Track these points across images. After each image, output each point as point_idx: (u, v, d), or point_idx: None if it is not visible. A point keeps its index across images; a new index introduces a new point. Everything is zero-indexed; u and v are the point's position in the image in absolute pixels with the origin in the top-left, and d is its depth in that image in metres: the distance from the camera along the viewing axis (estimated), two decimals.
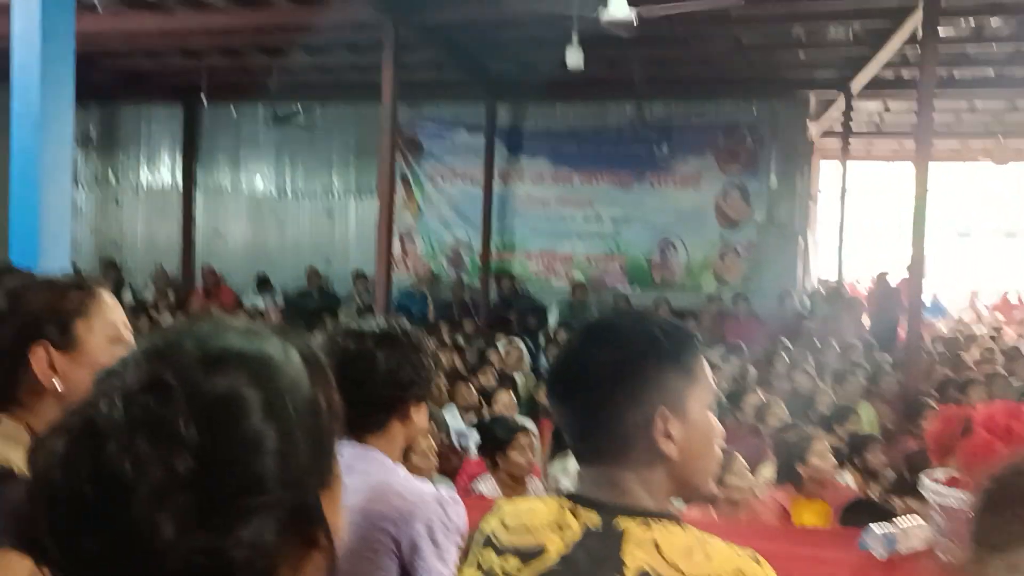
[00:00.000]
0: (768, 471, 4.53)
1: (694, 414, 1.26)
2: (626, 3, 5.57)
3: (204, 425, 0.69)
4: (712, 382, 1.32)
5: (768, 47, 9.21)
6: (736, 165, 11.03)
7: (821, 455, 4.10)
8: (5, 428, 1.43)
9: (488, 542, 1.31)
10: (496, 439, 4.59)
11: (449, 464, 5.23)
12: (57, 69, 4.20)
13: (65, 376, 1.46)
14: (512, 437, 4.53)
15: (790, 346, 8.32)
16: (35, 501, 0.70)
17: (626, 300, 10.76)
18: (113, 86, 11.66)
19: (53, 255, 4.13)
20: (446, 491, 1.79)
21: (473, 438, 5.54)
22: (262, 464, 0.70)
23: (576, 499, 1.26)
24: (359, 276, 11.58)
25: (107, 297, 1.56)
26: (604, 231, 11.44)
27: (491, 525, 1.33)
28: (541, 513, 1.27)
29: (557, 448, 5.20)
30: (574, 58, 6.87)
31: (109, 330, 1.52)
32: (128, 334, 1.56)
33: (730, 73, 10.33)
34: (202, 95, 11.09)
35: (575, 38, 6.79)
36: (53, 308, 1.48)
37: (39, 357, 1.45)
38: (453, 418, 6.06)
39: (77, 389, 1.46)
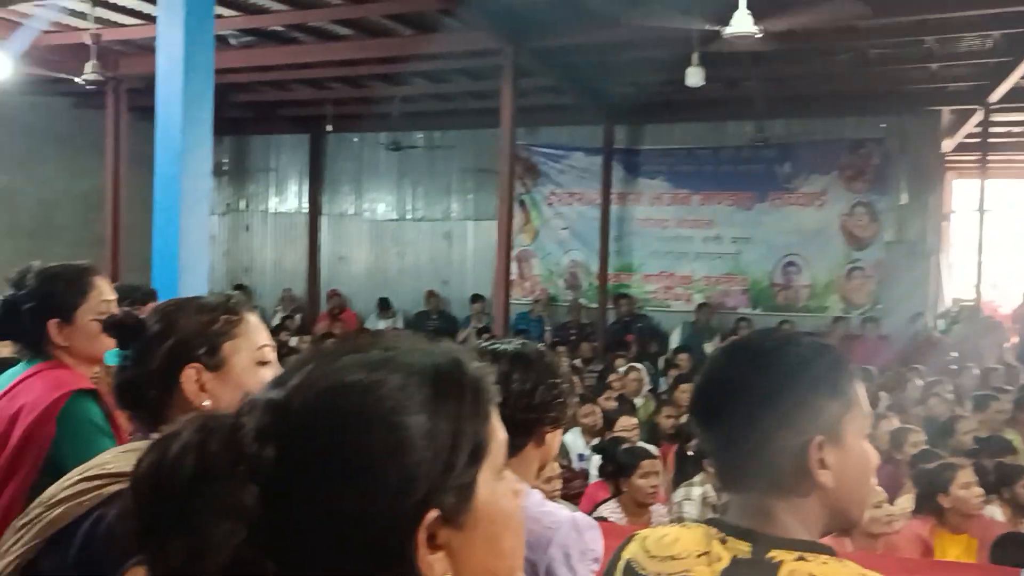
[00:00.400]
0: (906, 501, 4.31)
1: (850, 442, 1.20)
2: (750, 18, 5.45)
3: (284, 458, 0.73)
4: (868, 408, 1.25)
5: (897, 60, 8.87)
6: (862, 183, 10.65)
7: (966, 486, 3.87)
8: (141, 443, 1.47)
9: (629, 569, 1.27)
10: (622, 465, 4.54)
11: (571, 488, 5.20)
12: (197, 103, 4.41)
13: (213, 396, 1.50)
14: (637, 463, 4.47)
15: (924, 370, 7.93)
16: (130, 509, 0.75)
17: (748, 322, 10.50)
18: (244, 118, 12.21)
19: (191, 279, 4.33)
20: (582, 516, 1.76)
21: (594, 462, 5.50)
22: (337, 499, 0.72)
23: (725, 528, 1.21)
24: (476, 298, 11.69)
25: (253, 319, 1.60)
26: (724, 252, 11.21)
27: (631, 552, 1.29)
28: (686, 541, 1.23)
29: (681, 474, 5.09)
30: (695, 77, 6.77)
31: (255, 352, 1.56)
32: (273, 356, 1.60)
33: (856, 88, 9.99)
34: (327, 124, 11.46)
35: (695, 57, 6.69)
36: (203, 330, 1.52)
37: (190, 378, 1.49)
38: (575, 440, 6.03)
39: (223, 408, 1.50)
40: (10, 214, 11.06)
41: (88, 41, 7.61)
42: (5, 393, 2.15)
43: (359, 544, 0.73)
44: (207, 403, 1.50)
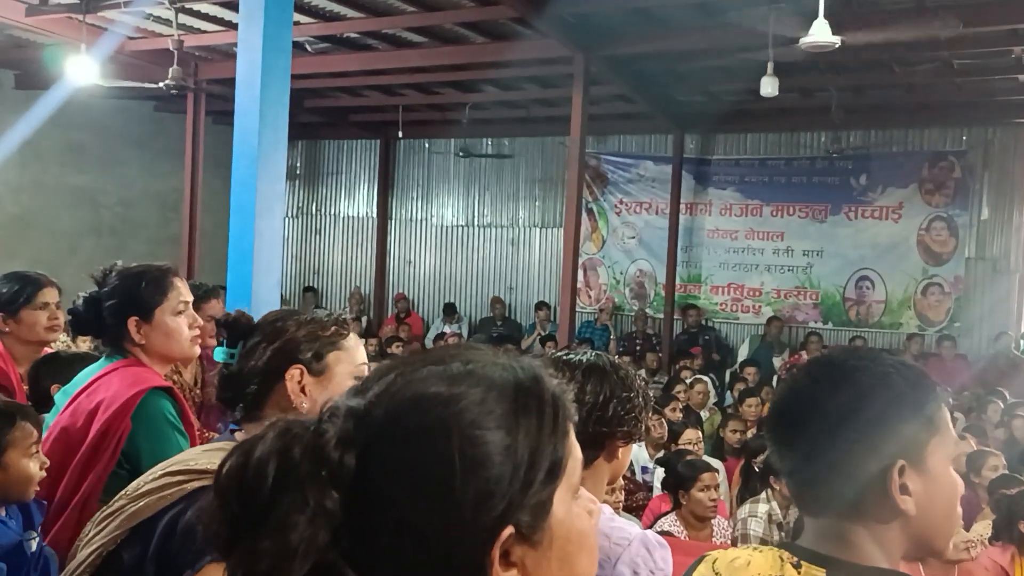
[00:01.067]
0: (983, 527, 4.16)
1: (935, 468, 1.15)
2: (828, 27, 5.34)
3: (364, 466, 0.75)
4: (955, 434, 1.21)
5: (983, 70, 8.60)
6: (942, 196, 10.36)
7: None
8: (225, 443, 1.51)
9: None
10: (681, 477, 4.50)
11: (634, 500, 5.15)
12: (274, 108, 4.49)
13: (311, 399, 1.57)
14: (697, 476, 4.43)
15: (1005, 392, 7.65)
16: (211, 506, 0.77)
17: (819, 337, 10.29)
18: (317, 123, 12.42)
19: (265, 280, 4.41)
20: (652, 535, 1.73)
21: (657, 474, 5.43)
22: (414, 511, 0.73)
23: (799, 552, 1.17)
24: (541, 306, 11.68)
25: (355, 338, 1.70)
26: (796, 264, 11.01)
27: (700, 573, 1.26)
28: (758, 565, 1.19)
29: (747, 490, 5.00)
30: (769, 86, 6.66)
31: (356, 367, 1.66)
32: (367, 372, 1.65)
33: (937, 99, 9.72)
34: (398, 130, 11.59)
35: (770, 66, 6.58)
36: (314, 336, 1.62)
37: (293, 377, 1.57)
38: (639, 453, 5.97)
39: (315, 413, 1.54)
40: (93, 213, 11.43)
41: (171, 47, 7.82)
42: (84, 389, 2.21)
43: (434, 557, 0.73)
44: (305, 405, 1.56)
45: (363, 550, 0.73)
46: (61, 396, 2.28)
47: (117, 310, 2.29)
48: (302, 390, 1.58)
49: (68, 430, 2.12)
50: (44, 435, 2.17)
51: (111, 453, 2.05)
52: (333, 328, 1.65)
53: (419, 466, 0.74)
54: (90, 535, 1.45)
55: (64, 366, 2.62)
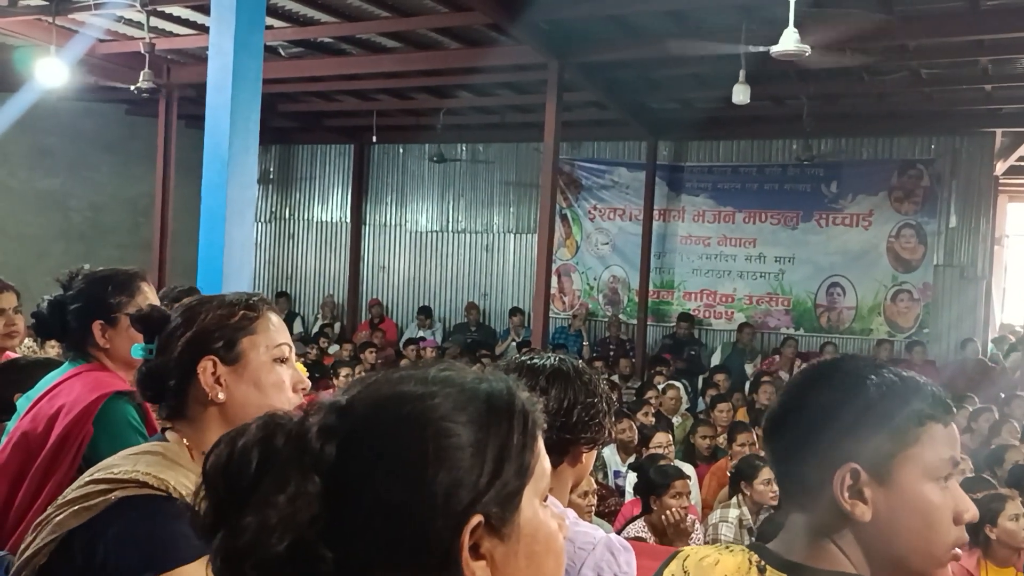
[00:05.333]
0: None
1: (904, 483, 1.13)
2: (797, 36, 5.40)
3: (343, 455, 0.79)
4: (948, 455, 1.16)
5: (950, 80, 8.72)
6: (911, 204, 10.49)
7: (1014, 518, 3.77)
8: (169, 450, 1.48)
9: None
10: (654, 483, 4.50)
11: (606, 505, 5.16)
12: (245, 112, 4.46)
13: (228, 389, 1.52)
14: (669, 483, 4.44)
15: (975, 397, 7.75)
16: (200, 495, 0.81)
17: (796, 342, 10.37)
18: (290, 127, 12.36)
19: (235, 285, 4.37)
20: (617, 538, 1.73)
21: (629, 479, 5.45)
22: (388, 496, 0.78)
23: (767, 556, 1.18)
24: (515, 312, 11.69)
25: (274, 318, 1.62)
26: (768, 271, 11.09)
27: (672, 571, 1.27)
28: (726, 566, 1.20)
29: (732, 494, 5.02)
30: (741, 94, 6.72)
31: (273, 349, 1.58)
32: (292, 355, 1.61)
33: (906, 108, 9.85)
34: (372, 135, 11.56)
35: (742, 74, 6.64)
36: (222, 324, 1.54)
37: (206, 370, 1.51)
38: (612, 456, 5.99)
39: (238, 402, 1.52)
40: (62, 216, 11.30)
41: (142, 50, 7.75)
42: (46, 394, 2.18)
43: (407, 540, 0.78)
44: (221, 396, 1.51)
45: (340, 531, 0.77)
46: (23, 402, 2.25)
47: (82, 314, 2.27)
48: (217, 381, 1.52)
49: (28, 435, 2.09)
50: (4, 441, 2.14)
51: (72, 459, 2.02)
52: (241, 312, 1.56)
53: (394, 453, 0.79)
54: (25, 543, 1.42)
55: (22, 373, 2.58)
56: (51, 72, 7.43)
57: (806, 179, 10.85)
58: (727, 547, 1.25)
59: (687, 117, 10.19)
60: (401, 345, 11.23)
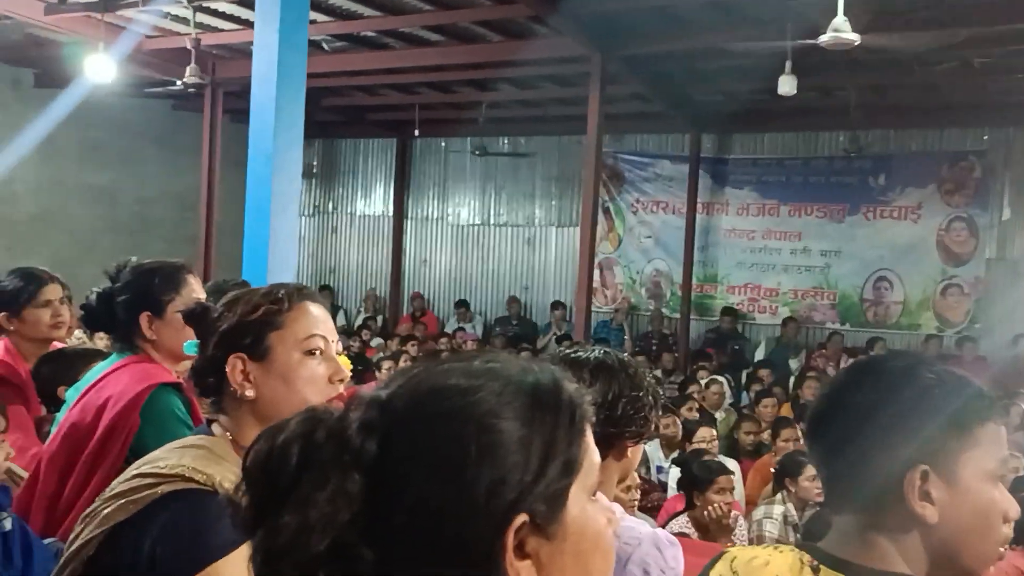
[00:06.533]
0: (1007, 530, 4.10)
1: (967, 482, 1.11)
2: (847, 24, 5.29)
3: (385, 452, 0.77)
4: (1003, 454, 1.16)
5: (1004, 69, 8.50)
6: (961, 196, 10.26)
7: None
8: (214, 445, 1.49)
9: None
10: (697, 478, 4.46)
11: (649, 500, 5.12)
12: (289, 106, 4.50)
13: (257, 385, 1.51)
14: (713, 478, 4.39)
15: None
16: (242, 488, 0.80)
17: (842, 336, 10.21)
18: (334, 121, 12.44)
19: (279, 278, 4.39)
20: (663, 533, 1.71)
21: (673, 474, 5.41)
22: (430, 494, 0.76)
23: (819, 555, 1.15)
24: (557, 305, 11.66)
25: (311, 308, 1.58)
26: (813, 265, 10.93)
27: (718, 572, 1.25)
28: (777, 566, 1.17)
29: (776, 491, 4.96)
30: (787, 85, 6.62)
31: (302, 342, 1.55)
32: (329, 346, 1.58)
33: (958, 98, 9.61)
34: (414, 129, 11.59)
35: (788, 65, 6.54)
36: (247, 320, 1.53)
37: (235, 367, 1.51)
38: (655, 452, 5.95)
39: (268, 398, 1.51)
40: (111, 210, 11.50)
41: (188, 45, 7.85)
42: (94, 385, 2.21)
43: (449, 540, 0.76)
44: (250, 393, 1.50)
45: (380, 531, 0.76)
46: (72, 393, 2.28)
47: (129, 305, 2.30)
48: (246, 378, 1.51)
49: (77, 426, 2.13)
50: (54, 431, 2.17)
51: (119, 449, 2.05)
52: (266, 307, 1.54)
53: (436, 450, 0.77)
54: (73, 535, 1.44)
55: (68, 362, 2.63)
56: (100, 68, 7.55)
57: (853, 171, 10.67)
58: (776, 547, 1.22)
59: (731, 109, 10.07)
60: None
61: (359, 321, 12.44)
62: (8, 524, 1.97)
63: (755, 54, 7.49)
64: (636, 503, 4.24)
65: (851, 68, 8.13)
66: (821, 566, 1.13)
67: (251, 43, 4.81)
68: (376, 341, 11.09)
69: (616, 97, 9.53)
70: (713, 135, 11.27)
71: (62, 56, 8.79)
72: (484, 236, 12.98)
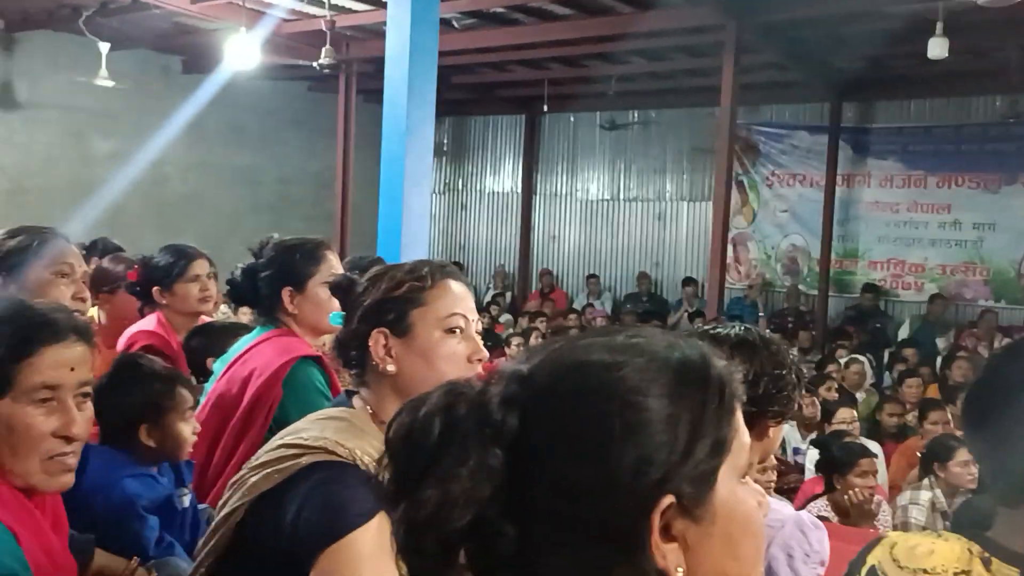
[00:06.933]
0: None
1: None
2: None
3: (526, 427, 0.77)
4: None
5: None
6: None
7: None
8: (355, 417, 1.51)
9: (873, 575, 1.16)
10: (837, 461, 4.30)
11: (785, 482, 4.98)
12: (421, 85, 4.55)
13: (399, 361, 1.52)
14: (855, 461, 4.22)
15: None
16: (384, 461, 0.80)
17: (995, 315, 9.62)
18: (463, 99, 12.55)
19: (413, 255, 4.47)
20: (808, 516, 1.64)
21: (810, 456, 5.24)
22: (574, 472, 0.75)
23: (990, 547, 1.06)
24: (688, 281, 11.47)
25: (453, 286, 1.59)
26: (964, 239, 10.32)
27: (877, 558, 1.18)
28: (943, 555, 1.09)
29: (923, 475, 4.74)
30: (938, 48, 6.23)
31: (443, 320, 1.55)
32: (470, 325, 1.58)
33: None
34: (543, 104, 11.56)
35: (940, 26, 6.16)
36: (391, 297, 1.55)
37: (377, 342, 1.53)
38: (791, 433, 5.78)
39: (407, 374, 1.52)
40: (252, 190, 11.99)
41: (323, 27, 8.05)
42: (239, 358, 2.30)
43: (593, 520, 0.74)
44: (391, 368, 1.52)
45: (522, 508, 0.75)
46: (219, 365, 2.38)
47: (272, 280, 2.38)
48: (388, 353, 1.53)
49: (224, 397, 2.22)
50: (203, 402, 2.27)
51: (263, 420, 2.13)
52: (409, 284, 1.55)
53: (579, 428, 0.76)
54: (222, 501, 1.50)
55: (216, 336, 2.74)
56: (242, 52, 7.85)
57: (1010, 138, 9.98)
58: (940, 535, 1.14)
59: (875, 76, 9.61)
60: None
61: (488, 298, 12.58)
62: (187, 500, 2.07)
63: (902, 16, 7.11)
64: (772, 484, 4.14)
65: (1010, 27, 7.59)
66: (993, 559, 1.05)
67: (384, 23, 4.88)
68: (504, 317, 11.19)
69: (751, 67, 9.22)
70: (854, 104, 10.78)
71: (208, 43, 9.18)
72: (613, 211, 12.87)
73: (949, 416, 5.48)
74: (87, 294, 2.31)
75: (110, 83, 8.77)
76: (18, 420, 1.35)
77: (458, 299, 1.59)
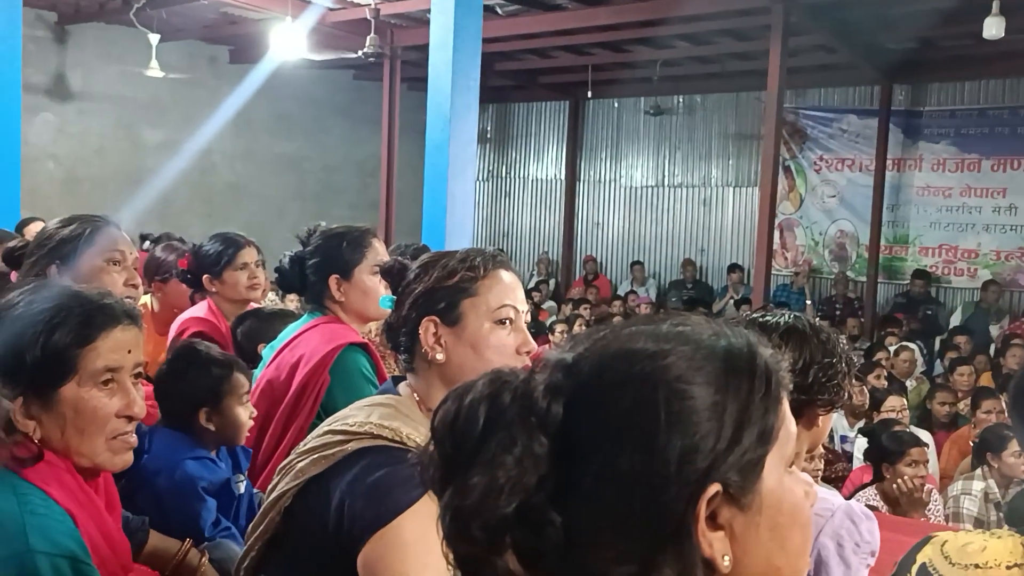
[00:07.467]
0: None
1: None
2: None
3: (571, 415, 0.77)
4: None
5: None
6: None
7: None
8: (400, 403, 1.52)
9: (924, 573, 1.14)
10: (887, 450, 4.23)
11: (832, 471, 4.92)
12: (465, 72, 4.55)
13: (448, 350, 1.52)
14: (905, 450, 4.16)
15: None
16: (430, 446, 0.81)
17: None
18: (507, 86, 12.53)
19: (457, 242, 4.50)
20: (858, 505, 1.62)
21: (859, 444, 5.18)
22: (619, 460, 0.74)
23: None
24: (734, 268, 11.36)
25: (504, 276, 1.58)
26: (1019, 224, 10.07)
27: (927, 555, 1.16)
28: (996, 552, 1.07)
29: (976, 465, 4.65)
30: (994, 27, 6.08)
31: (493, 311, 1.55)
32: (519, 316, 1.58)
33: None
34: (587, 90, 11.50)
35: (996, 5, 6.00)
36: (443, 286, 1.54)
37: (427, 330, 1.53)
38: (839, 421, 5.71)
39: (456, 363, 1.52)
40: (298, 178, 12.11)
41: (368, 16, 8.07)
42: (287, 344, 2.33)
43: (639, 508, 0.74)
44: (440, 356, 1.52)
45: (568, 496, 0.75)
46: (268, 351, 2.42)
47: (319, 268, 2.40)
48: (437, 341, 1.53)
49: (273, 383, 2.25)
50: (252, 387, 2.30)
51: (311, 405, 2.15)
52: (462, 274, 1.55)
53: (624, 415, 0.76)
54: (272, 484, 1.52)
55: (263, 322, 2.77)
56: (288, 42, 7.91)
57: None
58: (993, 533, 1.12)
59: (927, 57, 9.41)
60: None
61: (531, 284, 12.59)
62: (243, 487, 2.11)
63: None
64: (820, 473, 4.09)
65: None
66: None
67: (428, 10, 4.88)
68: (548, 304, 11.18)
69: (798, 49, 9.08)
70: (906, 86, 10.56)
71: (254, 33, 9.27)
72: (658, 198, 12.77)
73: (1003, 405, 5.36)
74: (139, 281, 2.36)
75: (160, 74, 8.90)
76: (85, 403, 1.41)
77: (509, 290, 1.58)
